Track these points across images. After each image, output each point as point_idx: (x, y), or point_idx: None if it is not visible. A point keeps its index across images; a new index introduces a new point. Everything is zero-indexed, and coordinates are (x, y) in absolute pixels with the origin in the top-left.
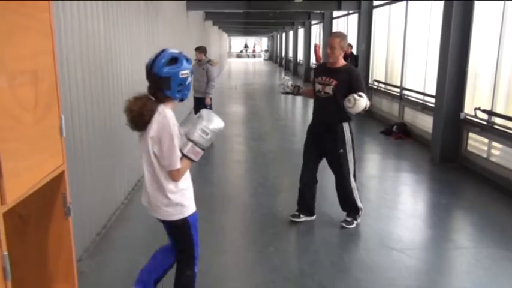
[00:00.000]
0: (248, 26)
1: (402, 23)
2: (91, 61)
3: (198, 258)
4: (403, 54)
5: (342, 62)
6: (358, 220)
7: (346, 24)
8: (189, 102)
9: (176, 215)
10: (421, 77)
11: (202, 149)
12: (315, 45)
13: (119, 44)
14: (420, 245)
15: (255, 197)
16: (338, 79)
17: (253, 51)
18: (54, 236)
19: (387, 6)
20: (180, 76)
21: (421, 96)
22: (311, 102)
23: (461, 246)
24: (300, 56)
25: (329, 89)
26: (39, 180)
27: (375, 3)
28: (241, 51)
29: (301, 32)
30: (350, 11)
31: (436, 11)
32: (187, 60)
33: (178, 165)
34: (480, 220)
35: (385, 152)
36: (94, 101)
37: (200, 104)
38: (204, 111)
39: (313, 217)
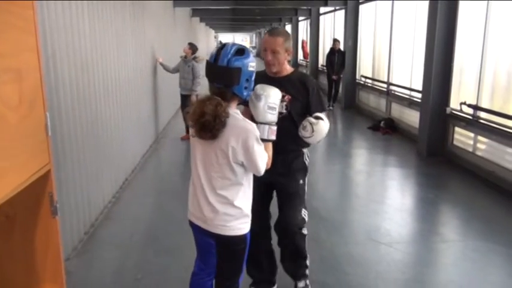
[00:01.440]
0: (235, 22)
1: (388, 19)
2: (77, 58)
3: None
4: (390, 49)
5: (288, 68)
6: (308, 274)
7: (333, 20)
8: (177, 100)
9: (241, 228)
10: (408, 73)
11: (276, 125)
12: (302, 42)
13: (105, 41)
14: (408, 238)
15: None
16: (291, 92)
17: None
18: (41, 235)
19: (373, 3)
20: (249, 69)
21: (407, 92)
22: None
23: (448, 240)
24: None
25: (282, 107)
26: (25, 180)
27: None
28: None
29: (288, 28)
30: (337, 7)
31: (422, 7)
32: (252, 53)
33: (266, 161)
34: (466, 213)
35: (372, 147)
36: (81, 99)
37: (186, 101)
38: (257, 87)
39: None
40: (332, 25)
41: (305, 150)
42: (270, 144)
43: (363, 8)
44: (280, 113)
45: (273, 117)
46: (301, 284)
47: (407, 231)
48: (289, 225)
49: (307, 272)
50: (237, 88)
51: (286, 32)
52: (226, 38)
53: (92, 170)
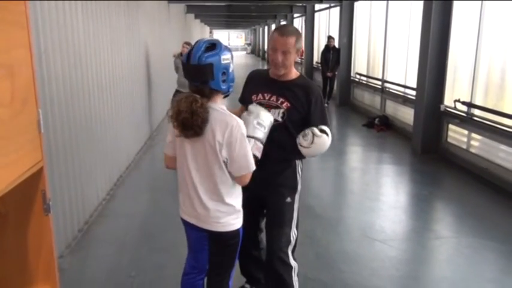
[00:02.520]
0: (230, 19)
1: (383, 16)
2: (70, 54)
3: (232, 280)
4: (384, 47)
5: (294, 73)
6: None
7: (328, 17)
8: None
9: (233, 224)
10: (402, 70)
11: (262, 144)
12: None
13: (99, 36)
14: (402, 235)
15: None
16: (290, 100)
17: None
18: (34, 233)
19: (368, 1)
20: (222, 62)
21: (402, 89)
22: None
23: (441, 236)
24: None
25: (277, 115)
26: (17, 177)
27: None
28: None
29: None
30: (332, 4)
31: (417, 4)
32: (226, 47)
33: (252, 168)
34: (460, 210)
35: (367, 144)
36: (74, 95)
37: None
38: (251, 107)
39: None
40: (327, 22)
41: (298, 162)
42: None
43: (358, 6)
44: (275, 120)
45: (261, 134)
46: None
47: (401, 228)
48: (272, 247)
49: None
50: (213, 83)
51: (297, 29)
52: (222, 34)
53: (86, 167)
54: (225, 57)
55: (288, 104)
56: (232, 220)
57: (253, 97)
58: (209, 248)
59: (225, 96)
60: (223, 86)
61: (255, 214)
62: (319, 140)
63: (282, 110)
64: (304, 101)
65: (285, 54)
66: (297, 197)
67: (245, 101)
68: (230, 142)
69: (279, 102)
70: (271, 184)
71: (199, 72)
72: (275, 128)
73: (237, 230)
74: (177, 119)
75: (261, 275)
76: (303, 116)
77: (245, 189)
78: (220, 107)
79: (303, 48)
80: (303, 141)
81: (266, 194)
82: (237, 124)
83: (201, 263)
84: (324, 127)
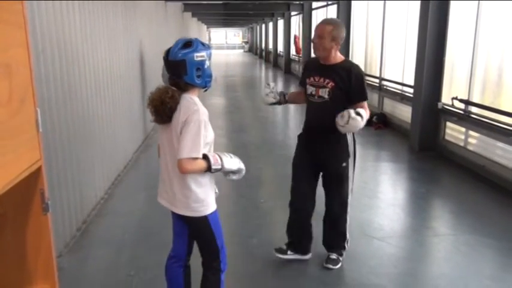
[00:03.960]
0: (227, 17)
1: (381, 14)
2: (68, 53)
3: (224, 262)
4: (382, 45)
5: (339, 57)
6: (344, 254)
7: (326, 15)
8: None
9: (201, 211)
10: (400, 68)
11: (220, 168)
12: (295, 37)
13: (96, 35)
14: (400, 233)
15: (237, 189)
16: (335, 79)
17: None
18: (32, 233)
19: None
20: (196, 59)
21: (399, 87)
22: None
23: (439, 234)
24: (280, 48)
25: (324, 92)
26: (16, 177)
27: None
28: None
29: (280, 23)
30: (329, 2)
31: (414, 2)
32: (203, 44)
33: (196, 154)
34: (458, 207)
35: (365, 142)
36: (72, 94)
37: None
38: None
39: (307, 256)
40: None
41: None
42: (203, 164)
43: (355, 3)
44: (321, 97)
45: (226, 158)
46: (333, 256)
47: (399, 225)
48: (332, 202)
49: (343, 252)
50: (187, 77)
51: (339, 22)
52: (219, 33)
53: (84, 166)
54: (199, 54)
55: (332, 84)
56: (199, 207)
57: (307, 80)
58: (189, 233)
59: (205, 90)
60: (198, 81)
61: (313, 181)
62: (354, 122)
63: (327, 89)
64: (346, 79)
65: (320, 38)
66: (350, 161)
67: (303, 84)
68: (187, 122)
69: (325, 82)
70: (327, 151)
71: (174, 67)
72: (324, 104)
73: (205, 217)
74: (150, 105)
75: (304, 240)
76: (345, 92)
77: (305, 156)
78: (190, 97)
79: (343, 37)
80: (340, 120)
81: (324, 160)
82: (197, 109)
83: (179, 249)
84: (361, 110)
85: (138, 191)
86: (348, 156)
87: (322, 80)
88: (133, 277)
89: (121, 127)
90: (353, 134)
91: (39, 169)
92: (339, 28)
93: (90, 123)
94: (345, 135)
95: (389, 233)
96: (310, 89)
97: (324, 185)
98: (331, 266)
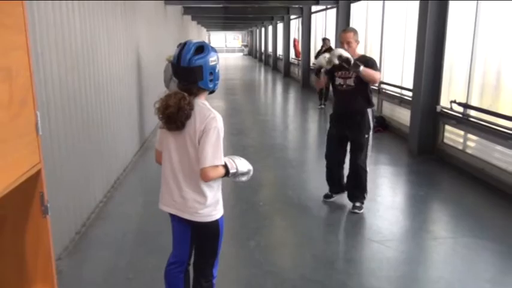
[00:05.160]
0: (227, 21)
1: (380, 18)
2: (67, 56)
3: (217, 268)
4: (381, 48)
5: (357, 54)
6: (364, 202)
7: (325, 19)
8: None
9: (213, 215)
10: (399, 71)
11: (235, 171)
12: (294, 40)
13: (96, 38)
14: (399, 236)
15: (235, 192)
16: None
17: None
18: (32, 235)
19: (365, 2)
20: (210, 64)
21: (398, 90)
22: (291, 97)
23: (438, 237)
24: (280, 51)
25: (351, 81)
26: (15, 179)
27: None
28: None
29: (280, 27)
30: (328, 6)
31: (413, 6)
32: (212, 48)
33: (219, 161)
34: (456, 210)
35: None
36: (71, 97)
37: None
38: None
39: (344, 193)
40: (324, 24)
41: (369, 110)
42: (222, 171)
43: (354, 7)
44: (349, 85)
45: (239, 161)
46: (357, 203)
47: (398, 228)
48: (356, 161)
49: (363, 201)
50: (202, 83)
51: (354, 29)
52: (218, 36)
53: (83, 169)
54: (213, 58)
55: (355, 73)
56: (212, 212)
57: (335, 74)
58: (191, 238)
59: (210, 93)
60: (210, 85)
61: (342, 147)
62: (336, 50)
63: (352, 79)
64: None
65: (348, 44)
66: (370, 133)
67: (330, 75)
68: (205, 130)
69: (350, 73)
70: (355, 127)
71: (189, 74)
72: (351, 90)
73: (217, 221)
74: (163, 112)
75: (340, 185)
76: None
77: (338, 128)
78: (202, 102)
79: (359, 40)
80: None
81: (350, 133)
82: (214, 116)
83: (182, 254)
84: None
85: (137, 194)
86: (369, 129)
87: (347, 72)
88: (132, 280)
89: (120, 130)
90: (372, 113)
91: (38, 172)
92: (357, 33)
93: (89, 127)
94: (366, 115)
95: (389, 236)
96: (339, 81)
97: (351, 151)
98: (357, 211)
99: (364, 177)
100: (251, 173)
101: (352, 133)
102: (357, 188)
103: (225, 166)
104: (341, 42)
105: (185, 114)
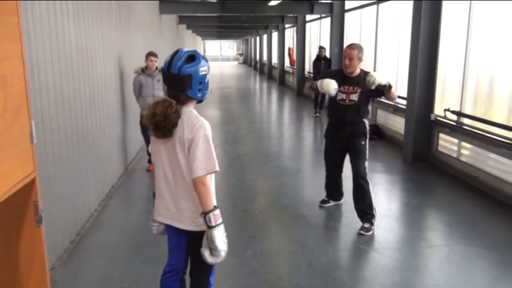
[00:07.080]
0: (222, 29)
1: (373, 27)
2: (62, 65)
3: (213, 277)
4: (375, 57)
5: (359, 70)
6: (374, 223)
7: (319, 28)
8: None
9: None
10: (392, 79)
11: (217, 225)
12: (289, 49)
13: (91, 47)
14: (394, 244)
15: (231, 200)
16: (362, 86)
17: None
18: (26, 245)
19: (359, 10)
20: (200, 73)
21: None
22: (286, 105)
23: (433, 244)
24: (275, 60)
25: (355, 97)
26: (9, 188)
27: (347, 6)
28: None
29: (275, 35)
30: (322, 15)
31: (406, 16)
32: (204, 57)
33: (213, 167)
34: (451, 218)
35: None
36: (66, 106)
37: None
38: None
39: (341, 201)
40: (318, 32)
41: (365, 120)
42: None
43: (349, 16)
44: (352, 100)
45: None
46: (366, 224)
47: (393, 236)
48: (358, 173)
49: (373, 221)
50: (190, 92)
51: (360, 46)
52: (213, 45)
53: (77, 177)
54: (203, 68)
55: (360, 89)
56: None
57: (338, 89)
58: (187, 247)
59: (198, 102)
60: (199, 94)
61: (340, 158)
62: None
63: (357, 94)
64: (365, 83)
65: (350, 60)
66: (367, 140)
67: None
68: (194, 139)
69: (355, 89)
70: (352, 135)
71: (178, 82)
72: (353, 104)
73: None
74: (151, 120)
75: (338, 193)
76: (367, 92)
77: (336, 139)
78: (190, 110)
79: (363, 57)
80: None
81: (349, 141)
82: (202, 124)
83: (177, 263)
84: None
85: (132, 203)
86: (366, 137)
87: (351, 88)
88: None
89: (115, 138)
90: (368, 122)
91: (33, 181)
92: (362, 50)
93: (84, 135)
94: (363, 123)
95: (383, 243)
96: (341, 96)
97: (351, 160)
98: (363, 233)
99: (368, 189)
100: (221, 257)
101: (350, 140)
102: (363, 202)
103: (215, 206)
104: (344, 56)
105: (172, 122)
